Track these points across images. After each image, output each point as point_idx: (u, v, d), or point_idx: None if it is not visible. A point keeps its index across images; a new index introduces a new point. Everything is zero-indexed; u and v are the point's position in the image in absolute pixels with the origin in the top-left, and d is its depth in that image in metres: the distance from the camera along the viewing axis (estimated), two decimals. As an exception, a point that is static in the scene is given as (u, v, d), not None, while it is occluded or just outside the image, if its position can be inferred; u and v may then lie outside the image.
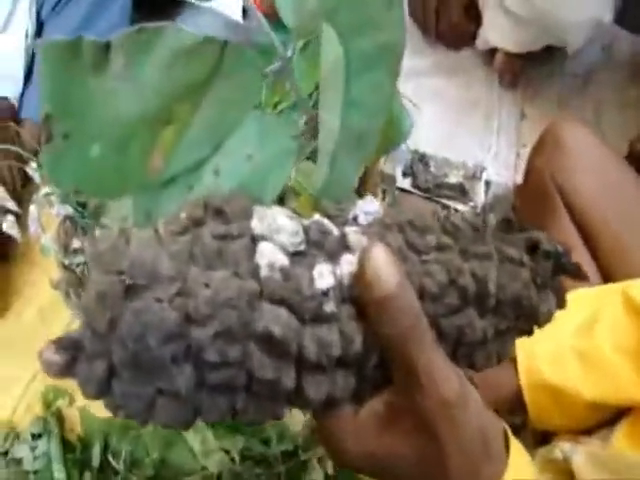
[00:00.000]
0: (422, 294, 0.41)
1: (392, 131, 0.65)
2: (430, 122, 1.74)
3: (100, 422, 1.21)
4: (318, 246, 0.41)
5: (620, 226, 1.06)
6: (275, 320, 0.37)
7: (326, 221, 0.42)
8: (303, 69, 0.55)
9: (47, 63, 0.39)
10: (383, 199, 1.28)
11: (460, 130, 1.77)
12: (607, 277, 1.05)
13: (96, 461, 1.16)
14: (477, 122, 1.78)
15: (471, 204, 1.63)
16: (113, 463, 1.14)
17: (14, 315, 1.51)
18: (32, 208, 1.06)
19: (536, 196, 1.21)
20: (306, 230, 0.41)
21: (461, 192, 1.63)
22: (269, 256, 0.38)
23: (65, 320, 1.41)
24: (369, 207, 0.45)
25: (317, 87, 0.51)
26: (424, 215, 0.45)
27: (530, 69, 1.80)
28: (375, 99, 0.47)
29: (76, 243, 1.10)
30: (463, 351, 0.45)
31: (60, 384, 1.29)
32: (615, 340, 0.82)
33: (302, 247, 0.40)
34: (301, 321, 0.38)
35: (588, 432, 0.87)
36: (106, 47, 0.40)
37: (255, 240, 0.40)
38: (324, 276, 0.38)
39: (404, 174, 1.67)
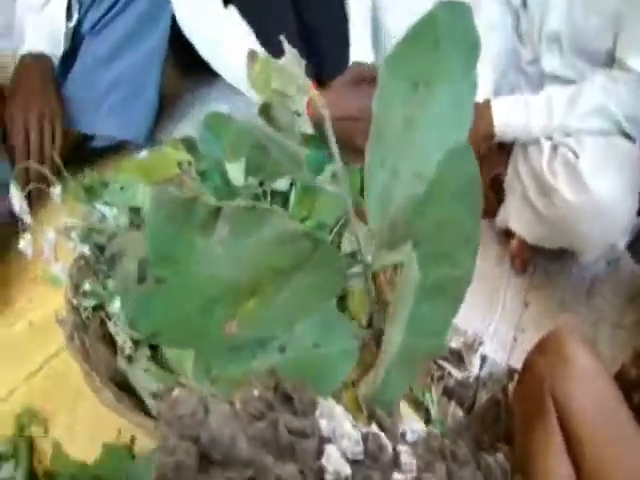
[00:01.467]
0: None
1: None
2: None
3: (71, 463, 1.10)
4: (374, 458, 0.43)
5: (604, 462, 1.07)
6: None
7: (382, 435, 0.45)
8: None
9: (159, 212, 0.42)
10: None
11: (466, 299, 1.78)
12: None
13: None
14: (483, 296, 1.78)
15: (466, 373, 1.62)
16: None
17: (4, 326, 1.44)
18: (50, 233, 1.06)
19: (530, 395, 1.20)
20: (364, 439, 0.44)
21: (458, 358, 1.64)
22: (335, 463, 0.41)
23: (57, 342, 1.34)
24: (415, 426, 0.49)
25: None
26: (462, 446, 0.47)
27: (541, 260, 1.85)
28: (436, 323, 0.51)
29: (87, 285, 1.07)
30: None
31: (39, 410, 1.19)
32: None
33: (361, 457, 0.43)
34: None
35: None
36: (216, 212, 0.43)
37: (322, 441, 0.42)
38: None
39: None
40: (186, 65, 1.85)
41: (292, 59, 0.59)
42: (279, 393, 0.44)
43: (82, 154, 1.62)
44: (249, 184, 1.10)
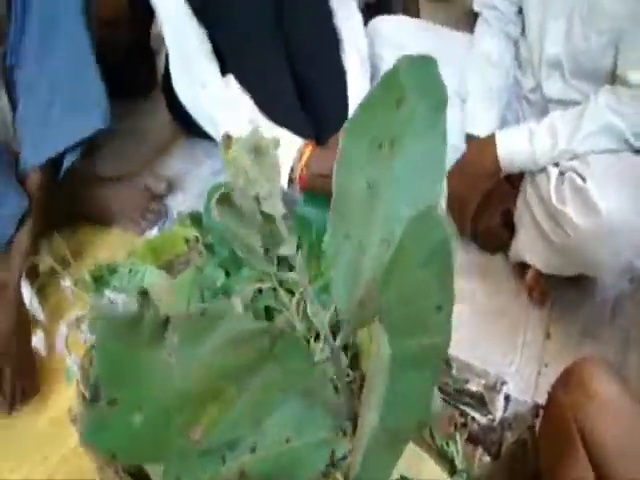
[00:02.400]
0: None
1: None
2: (456, 324, 1.76)
3: None
4: None
5: None
6: None
7: None
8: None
9: (104, 335, 0.42)
10: None
11: (485, 337, 1.76)
12: None
13: None
14: (502, 333, 1.77)
15: (490, 417, 1.61)
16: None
17: (26, 422, 1.51)
18: (62, 327, 1.10)
19: (556, 431, 1.19)
20: None
21: (481, 402, 1.62)
22: None
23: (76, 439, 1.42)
24: None
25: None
26: None
27: (560, 289, 1.79)
28: (416, 399, 0.48)
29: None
30: None
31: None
32: None
33: None
34: None
35: None
36: (164, 324, 0.43)
37: None
38: None
39: None
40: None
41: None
42: None
43: (61, 191, 1.66)
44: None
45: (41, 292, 1.59)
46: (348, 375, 0.62)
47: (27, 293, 1.21)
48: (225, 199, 0.50)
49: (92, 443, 0.43)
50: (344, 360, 0.56)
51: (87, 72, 1.59)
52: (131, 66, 2.21)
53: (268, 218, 0.50)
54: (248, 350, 0.47)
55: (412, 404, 0.48)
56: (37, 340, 1.22)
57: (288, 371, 0.49)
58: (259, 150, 0.49)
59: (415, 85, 0.52)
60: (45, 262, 1.52)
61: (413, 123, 0.52)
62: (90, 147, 1.75)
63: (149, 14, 1.80)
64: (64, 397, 1.44)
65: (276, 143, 0.50)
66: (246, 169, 0.48)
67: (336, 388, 0.55)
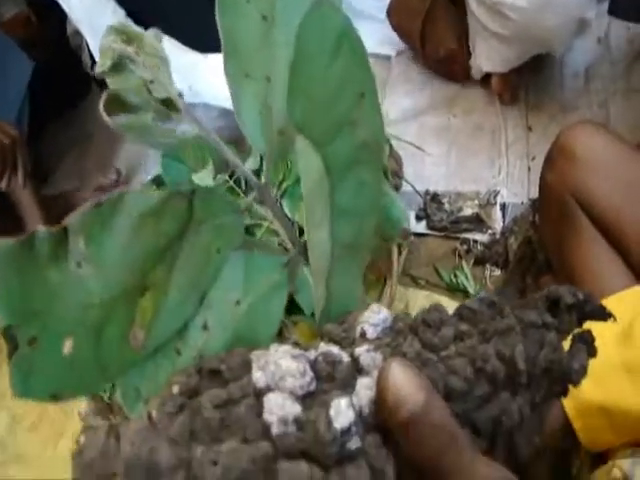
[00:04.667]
0: (449, 394, 0.39)
1: (386, 225, 0.62)
2: (438, 159, 1.84)
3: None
4: (329, 379, 0.38)
5: None
6: (297, 478, 0.34)
7: (333, 348, 0.39)
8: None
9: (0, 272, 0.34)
10: (399, 254, 1.27)
11: (469, 159, 1.85)
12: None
13: None
14: (484, 147, 1.87)
15: (490, 232, 1.66)
16: None
17: (50, 448, 1.55)
18: None
19: (554, 210, 1.22)
20: (313, 365, 0.38)
21: (478, 222, 1.67)
22: (277, 410, 0.35)
23: None
24: (375, 318, 0.42)
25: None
26: (437, 306, 0.43)
27: (528, 80, 1.86)
28: (363, 201, 0.45)
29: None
30: (502, 440, 0.43)
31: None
32: None
33: (313, 386, 0.37)
34: (325, 469, 0.35)
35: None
36: (62, 233, 0.35)
37: (260, 395, 0.36)
38: (342, 412, 0.35)
39: (418, 218, 1.70)
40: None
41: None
42: (204, 372, 0.38)
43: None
44: (219, 183, 1.07)
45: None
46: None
47: None
48: (114, 102, 0.42)
49: (26, 393, 0.35)
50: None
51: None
52: (62, 76, 2.13)
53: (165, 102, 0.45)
54: (165, 221, 0.40)
55: (360, 207, 0.45)
56: None
57: (216, 227, 0.43)
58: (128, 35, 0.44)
59: None
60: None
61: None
62: (40, 167, 1.81)
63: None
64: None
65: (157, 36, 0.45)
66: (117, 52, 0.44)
67: (275, 232, 0.50)
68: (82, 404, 1.39)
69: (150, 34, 0.44)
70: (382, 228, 0.60)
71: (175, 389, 0.37)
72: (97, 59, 1.36)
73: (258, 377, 0.37)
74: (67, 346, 0.38)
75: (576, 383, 0.46)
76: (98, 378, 0.40)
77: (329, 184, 0.42)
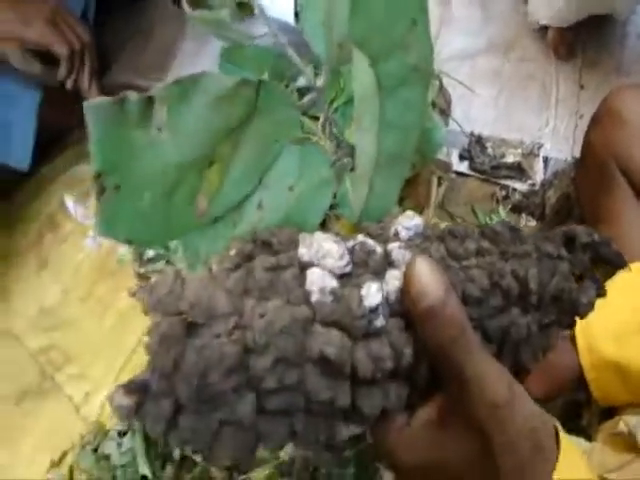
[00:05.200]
0: (466, 299, 0.45)
1: (426, 145, 0.67)
2: (487, 102, 1.81)
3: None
4: (364, 265, 0.44)
5: None
6: (329, 342, 0.40)
7: (369, 240, 0.46)
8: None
9: (93, 122, 0.41)
10: (439, 185, 1.31)
11: (517, 107, 1.79)
12: None
13: (177, 454, 1.29)
14: (534, 97, 1.79)
15: (530, 182, 1.66)
16: (192, 455, 1.26)
17: (96, 320, 1.61)
18: None
19: (595, 172, 1.21)
20: (351, 251, 0.44)
21: (519, 171, 1.66)
22: (318, 281, 0.42)
23: (145, 322, 1.50)
24: (409, 222, 0.48)
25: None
26: (464, 223, 0.48)
27: (586, 37, 1.81)
28: (408, 118, 0.50)
29: (150, 252, 1.16)
30: (509, 349, 0.48)
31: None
32: None
33: (349, 268, 0.44)
34: (353, 340, 0.41)
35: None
36: (149, 101, 0.42)
37: (304, 267, 0.43)
38: (372, 294, 0.41)
39: (461, 157, 1.70)
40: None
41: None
42: (258, 242, 0.45)
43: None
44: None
45: (83, 201, 1.69)
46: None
47: (71, 206, 1.26)
48: None
49: (107, 232, 0.43)
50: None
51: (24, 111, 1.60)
52: None
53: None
54: (233, 108, 0.47)
55: (405, 123, 0.50)
56: (89, 241, 1.29)
57: (277, 118, 0.50)
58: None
59: None
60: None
61: None
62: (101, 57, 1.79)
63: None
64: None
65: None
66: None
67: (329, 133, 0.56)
68: (129, 282, 1.44)
69: None
70: (423, 147, 0.65)
71: (233, 251, 0.44)
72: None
73: (303, 253, 0.44)
74: (145, 198, 0.45)
75: (583, 316, 0.51)
76: (165, 233, 0.48)
77: (379, 98, 0.48)
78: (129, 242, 0.46)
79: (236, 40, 0.51)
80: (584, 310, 0.51)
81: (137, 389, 0.41)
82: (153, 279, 0.43)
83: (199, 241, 0.50)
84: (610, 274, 0.52)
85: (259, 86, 0.47)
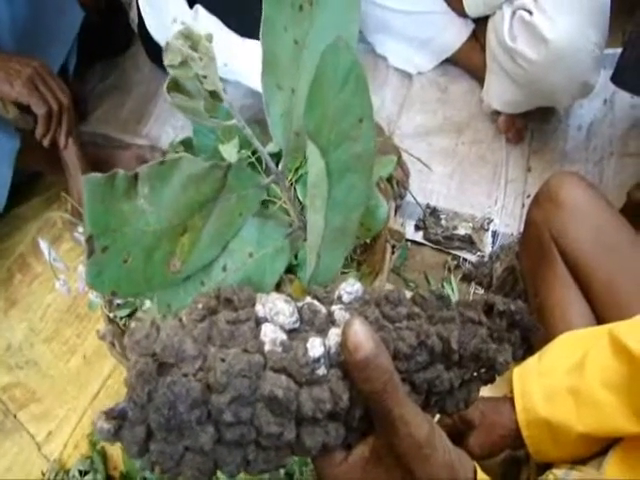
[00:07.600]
0: (396, 355, 0.53)
1: (371, 220, 0.77)
2: (442, 178, 1.94)
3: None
4: (310, 323, 0.52)
5: (610, 274, 1.17)
6: (278, 385, 0.48)
7: (316, 302, 0.54)
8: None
9: (89, 193, 0.50)
10: (392, 254, 1.39)
11: (470, 185, 1.93)
12: (600, 318, 1.18)
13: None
14: (485, 177, 1.92)
15: (479, 253, 1.78)
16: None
17: (62, 362, 1.69)
18: (80, 268, 1.31)
19: (534, 246, 1.33)
20: (300, 310, 0.53)
21: (470, 243, 1.77)
22: (271, 334, 0.50)
23: (109, 366, 1.56)
24: (350, 288, 0.56)
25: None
26: (398, 290, 0.56)
27: (535, 124, 1.94)
28: (352, 200, 0.59)
29: (119, 299, 1.24)
30: (434, 400, 0.57)
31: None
32: (603, 377, 0.93)
33: (297, 325, 0.52)
34: (298, 384, 0.49)
35: (583, 462, 0.97)
36: (134, 177, 0.51)
37: (259, 322, 0.51)
38: (315, 347, 0.49)
39: (417, 227, 1.84)
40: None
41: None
42: (221, 299, 0.53)
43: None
44: (242, 157, 1.24)
45: (54, 244, 1.83)
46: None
47: (45, 248, 1.29)
48: (174, 85, 0.57)
49: (95, 286, 0.51)
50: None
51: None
52: (106, 25, 2.27)
53: (211, 94, 0.58)
54: (205, 184, 0.56)
55: (350, 203, 0.59)
56: (60, 285, 1.33)
57: (242, 197, 0.59)
58: (191, 38, 0.56)
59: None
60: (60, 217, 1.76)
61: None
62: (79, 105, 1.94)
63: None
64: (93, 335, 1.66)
65: (209, 37, 0.57)
66: (183, 52, 0.55)
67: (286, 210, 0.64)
68: (98, 325, 1.51)
69: (204, 36, 0.56)
70: (368, 222, 0.74)
71: (200, 305, 0.53)
72: (144, 17, 1.48)
73: (259, 309, 0.52)
74: (127, 258, 0.54)
75: (500, 373, 0.59)
76: (144, 287, 0.56)
77: (328, 183, 0.56)
78: (114, 294, 0.54)
79: (208, 124, 0.60)
80: (501, 368, 0.59)
81: (117, 415, 0.48)
82: (132, 324, 0.51)
83: (171, 297, 0.59)
84: (526, 339, 0.61)
85: (228, 169, 0.56)
